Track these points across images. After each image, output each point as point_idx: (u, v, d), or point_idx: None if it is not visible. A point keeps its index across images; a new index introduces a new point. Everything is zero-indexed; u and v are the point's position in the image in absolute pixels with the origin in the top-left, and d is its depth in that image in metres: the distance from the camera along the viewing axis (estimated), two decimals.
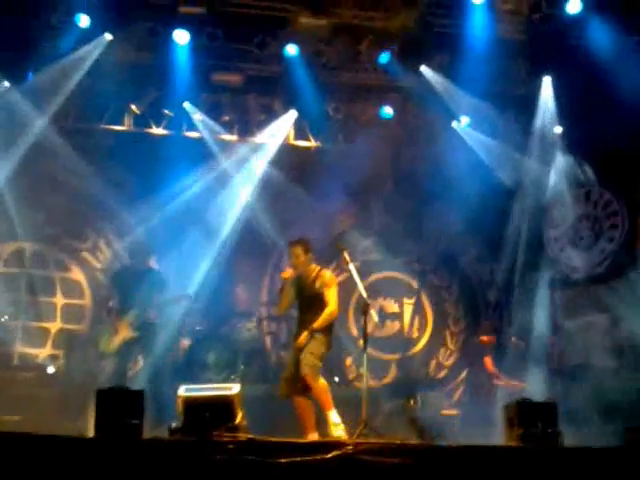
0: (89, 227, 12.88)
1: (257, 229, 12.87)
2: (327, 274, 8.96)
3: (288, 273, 8.96)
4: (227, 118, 13.04)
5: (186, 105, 12.69)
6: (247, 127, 13.17)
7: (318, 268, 8.99)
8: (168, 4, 11.51)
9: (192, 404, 7.56)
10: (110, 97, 12.44)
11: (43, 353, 12.15)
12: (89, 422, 8.85)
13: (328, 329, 8.76)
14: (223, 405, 7.55)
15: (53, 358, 12.03)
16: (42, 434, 6.80)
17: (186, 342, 11.23)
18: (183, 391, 7.71)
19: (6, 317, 11.63)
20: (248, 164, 13.08)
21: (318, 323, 8.66)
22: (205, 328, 11.70)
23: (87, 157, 12.28)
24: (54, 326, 12.48)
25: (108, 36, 11.70)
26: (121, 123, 12.91)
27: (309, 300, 8.86)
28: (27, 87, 11.92)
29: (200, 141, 12.98)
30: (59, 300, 12.65)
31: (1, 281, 12.26)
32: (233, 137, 13.21)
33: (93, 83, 12.05)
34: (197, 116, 12.83)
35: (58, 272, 12.75)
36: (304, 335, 8.68)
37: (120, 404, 7.02)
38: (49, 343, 12.34)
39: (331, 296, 8.76)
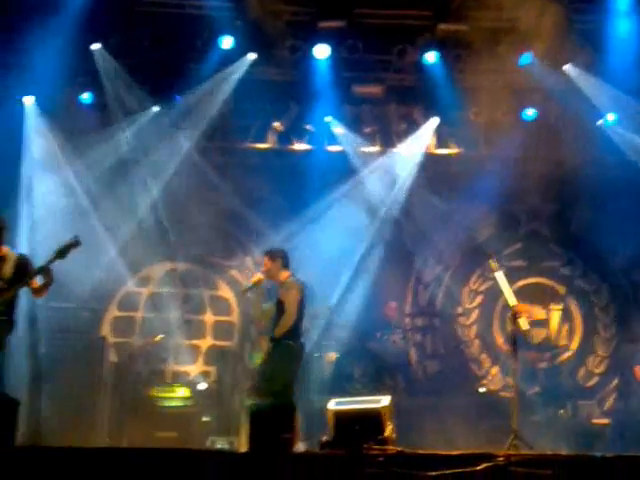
0: (236, 245, 13.10)
1: (400, 240, 12.81)
2: (288, 280, 8.91)
3: (256, 277, 8.98)
4: (368, 130, 13.01)
5: (328, 119, 12.78)
6: (388, 138, 13.05)
7: (286, 275, 8.96)
8: (308, 20, 11.63)
9: (342, 417, 7.59)
10: (253, 115, 12.68)
11: (195, 370, 12.41)
12: (241, 437, 9.06)
13: (292, 336, 8.71)
14: (373, 418, 7.56)
15: (204, 374, 12.27)
16: (198, 449, 6.96)
17: (333, 355, 11.28)
18: (333, 405, 7.74)
19: (162, 336, 12.00)
20: (390, 175, 13.04)
21: (277, 330, 8.70)
22: (351, 341, 11.72)
23: (232, 176, 12.60)
24: (205, 343, 12.78)
25: (250, 56, 11.89)
26: (265, 141, 13.05)
27: (277, 308, 8.85)
28: (175, 110, 12.29)
29: (342, 154, 13.00)
30: (209, 318, 12.96)
31: (155, 301, 12.68)
32: (375, 148, 13.14)
33: (237, 102, 12.30)
34: (338, 129, 12.87)
35: (208, 290, 13.06)
36: (267, 346, 8.75)
37: (272, 419, 7.08)
38: (200, 360, 12.62)
39: (288, 301, 8.75)
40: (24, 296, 8.68)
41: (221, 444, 9.68)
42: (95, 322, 11.98)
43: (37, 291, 8.42)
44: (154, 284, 12.84)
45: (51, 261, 8.23)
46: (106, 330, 12.46)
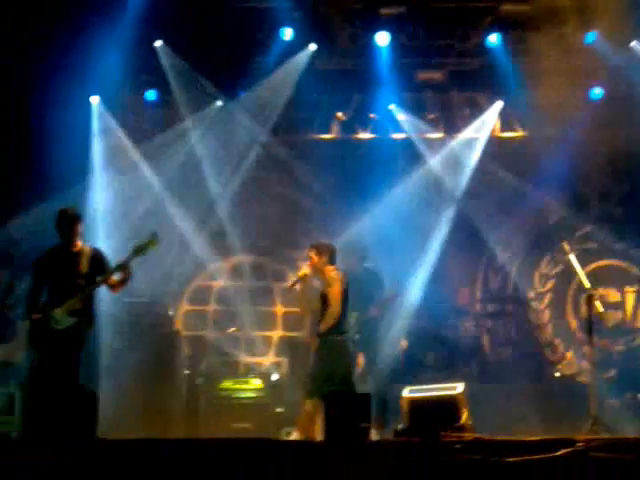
0: (303, 237, 13.04)
1: (469, 226, 12.69)
2: (331, 274, 8.74)
3: (302, 271, 8.86)
4: (432, 116, 12.92)
5: (391, 107, 12.70)
6: (452, 123, 12.97)
7: (330, 270, 8.81)
8: (368, 7, 11.58)
9: (417, 405, 7.57)
10: (316, 106, 12.71)
11: (266, 361, 12.51)
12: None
13: (336, 330, 8.58)
14: (448, 405, 7.52)
15: (276, 365, 12.36)
16: (273, 439, 6.98)
17: (404, 342, 11.22)
18: (407, 392, 7.71)
19: (235, 328, 12.06)
20: (456, 160, 12.88)
21: (322, 325, 8.58)
22: (421, 328, 11.67)
23: (297, 167, 12.62)
24: (276, 334, 12.87)
25: (312, 46, 11.89)
26: (329, 131, 13.07)
27: (321, 302, 8.75)
28: (239, 104, 12.36)
29: (407, 141, 12.92)
30: (279, 309, 13.01)
31: (226, 294, 12.77)
32: (439, 135, 13.04)
33: (299, 94, 12.27)
34: (402, 116, 12.80)
35: (277, 282, 13.08)
36: (314, 341, 8.65)
37: (348, 408, 7.07)
38: (272, 351, 12.73)
39: (332, 295, 8.61)
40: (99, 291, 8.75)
41: (295, 435, 9.71)
42: (168, 316, 12.08)
43: (114, 287, 8.37)
44: (224, 277, 12.91)
45: (130, 258, 8.18)
46: (179, 324, 12.59)
